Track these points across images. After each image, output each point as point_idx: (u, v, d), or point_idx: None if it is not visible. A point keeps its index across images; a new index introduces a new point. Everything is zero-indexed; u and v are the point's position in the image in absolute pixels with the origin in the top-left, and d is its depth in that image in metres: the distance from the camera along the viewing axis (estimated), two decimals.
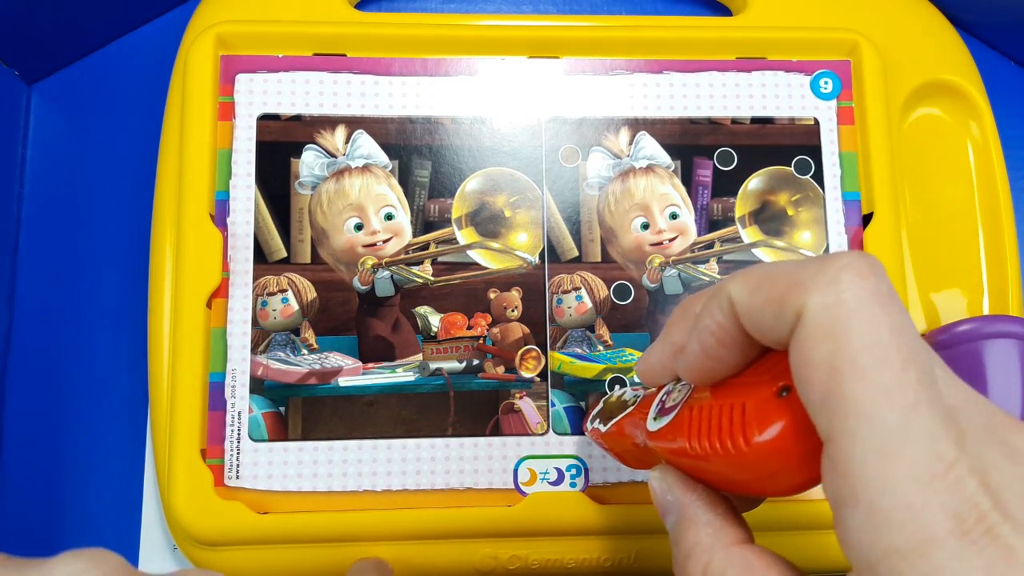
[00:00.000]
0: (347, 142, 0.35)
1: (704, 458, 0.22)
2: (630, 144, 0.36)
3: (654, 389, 0.26)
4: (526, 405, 0.34)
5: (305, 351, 0.34)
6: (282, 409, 0.33)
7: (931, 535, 0.16)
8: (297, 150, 0.35)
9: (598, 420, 0.30)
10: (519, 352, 0.35)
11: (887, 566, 0.17)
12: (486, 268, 0.35)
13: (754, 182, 0.36)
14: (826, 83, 0.37)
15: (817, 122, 0.37)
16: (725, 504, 0.23)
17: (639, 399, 0.27)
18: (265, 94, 0.35)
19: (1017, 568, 0.16)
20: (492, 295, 0.35)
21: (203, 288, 0.33)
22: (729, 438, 0.21)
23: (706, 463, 0.22)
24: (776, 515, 0.33)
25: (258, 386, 0.33)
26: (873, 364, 0.17)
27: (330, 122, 0.35)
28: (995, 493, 0.17)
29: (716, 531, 0.22)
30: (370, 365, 0.34)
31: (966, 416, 0.18)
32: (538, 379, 0.34)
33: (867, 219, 0.36)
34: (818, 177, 0.36)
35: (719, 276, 0.35)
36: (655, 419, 0.25)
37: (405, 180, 0.35)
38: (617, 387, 0.34)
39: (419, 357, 0.34)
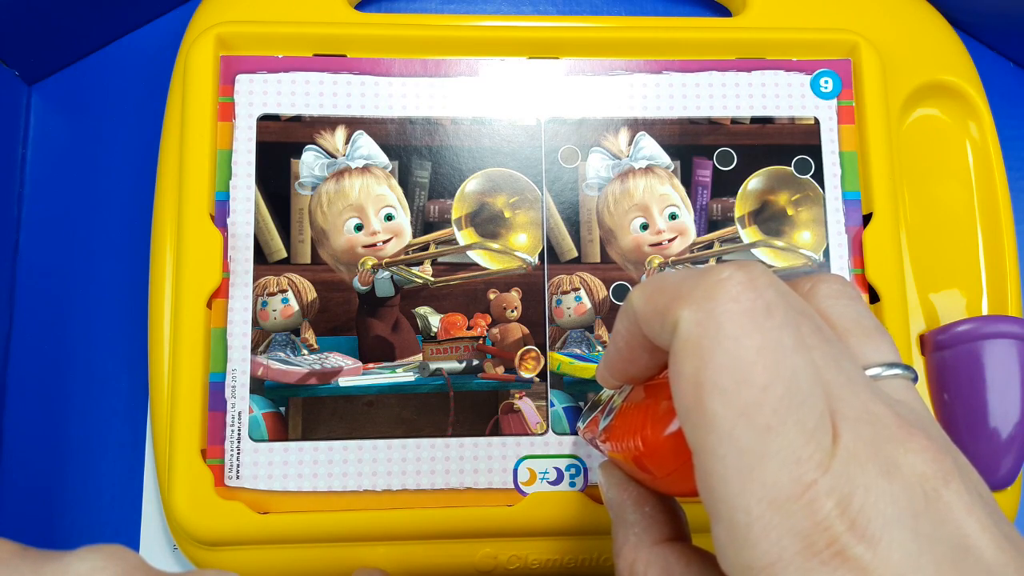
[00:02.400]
0: (347, 143, 0.35)
1: (628, 454, 0.22)
2: (629, 144, 0.36)
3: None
4: (525, 405, 0.34)
5: (305, 351, 0.34)
6: (282, 409, 0.33)
7: (779, 556, 0.16)
8: (297, 151, 0.35)
9: (581, 420, 0.31)
10: (519, 352, 0.35)
11: None
12: (486, 269, 0.35)
13: (754, 182, 0.36)
14: (826, 82, 0.37)
15: (817, 121, 0.37)
16: (655, 502, 0.23)
17: (610, 398, 0.28)
18: (265, 95, 0.35)
19: None
20: (492, 296, 0.35)
21: (203, 288, 0.33)
22: (640, 433, 0.21)
23: (631, 460, 0.23)
24: None
25: (258, 386, 0.33)
26: (733, 383, 0.17)
27: (330, 123, 0.35)
28: (854, 514, 0.16)
29: (642, 530, 0.23)
30: (370, 365, 0.34)
31: (852, 431, 0.17)
32: (537, 379, 0.34)
33: (867, 219, 0.36)
34: (818, 177, 0.36)
35: None
36: (603, 418, 0.26)
37: (405, 181, 0.35)
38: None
39: (419, 357, 0.34)
